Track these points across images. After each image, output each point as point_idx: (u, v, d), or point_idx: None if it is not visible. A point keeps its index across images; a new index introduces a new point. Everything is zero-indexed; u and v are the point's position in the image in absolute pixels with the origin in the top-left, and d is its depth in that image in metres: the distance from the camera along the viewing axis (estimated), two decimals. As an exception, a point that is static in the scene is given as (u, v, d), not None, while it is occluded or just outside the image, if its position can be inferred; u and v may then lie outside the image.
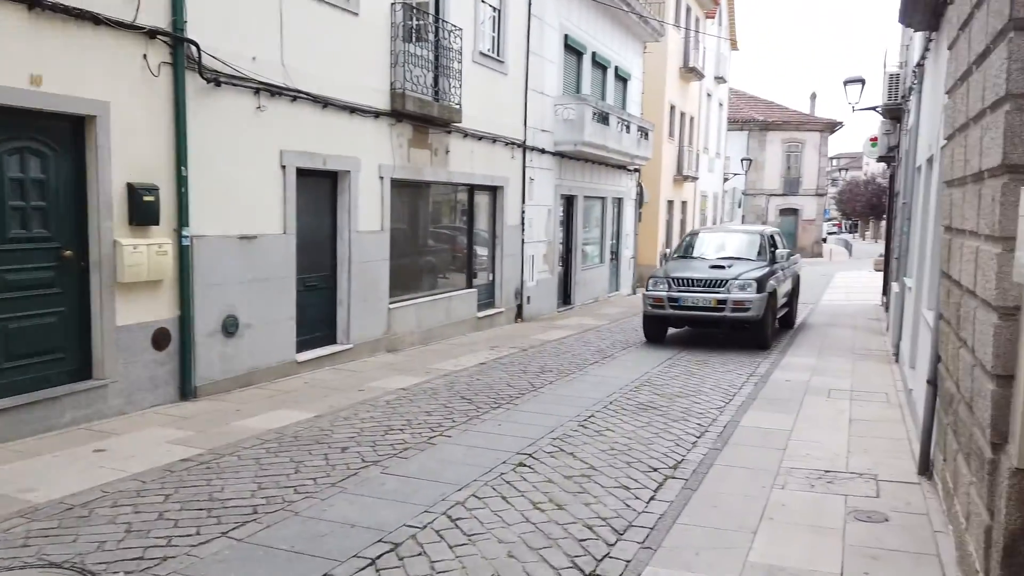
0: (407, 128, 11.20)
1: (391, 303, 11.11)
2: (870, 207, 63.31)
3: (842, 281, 26.97)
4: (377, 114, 10.47)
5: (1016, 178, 3.38)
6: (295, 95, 8.90)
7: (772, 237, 13.77)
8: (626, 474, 5.75)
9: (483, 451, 6.29)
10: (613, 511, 5.00)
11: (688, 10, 27.30)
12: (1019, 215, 2.44)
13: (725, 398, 8.44)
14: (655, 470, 5.87)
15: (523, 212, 15.05)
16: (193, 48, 7.53)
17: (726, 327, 11.98)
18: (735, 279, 11.63)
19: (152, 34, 7.15)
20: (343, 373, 9.47)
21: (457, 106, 11.90)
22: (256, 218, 8.54)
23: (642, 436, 6.79)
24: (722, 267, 12.19)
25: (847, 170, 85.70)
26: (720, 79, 32.95)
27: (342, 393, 8.35)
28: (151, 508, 4.95)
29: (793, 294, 14.57)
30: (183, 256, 7.62)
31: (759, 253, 12.98)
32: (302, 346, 9.46)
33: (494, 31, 13.85)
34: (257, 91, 8.38)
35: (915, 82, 11.42)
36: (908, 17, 8.92)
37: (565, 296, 17.65)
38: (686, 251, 13.76)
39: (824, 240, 50.30)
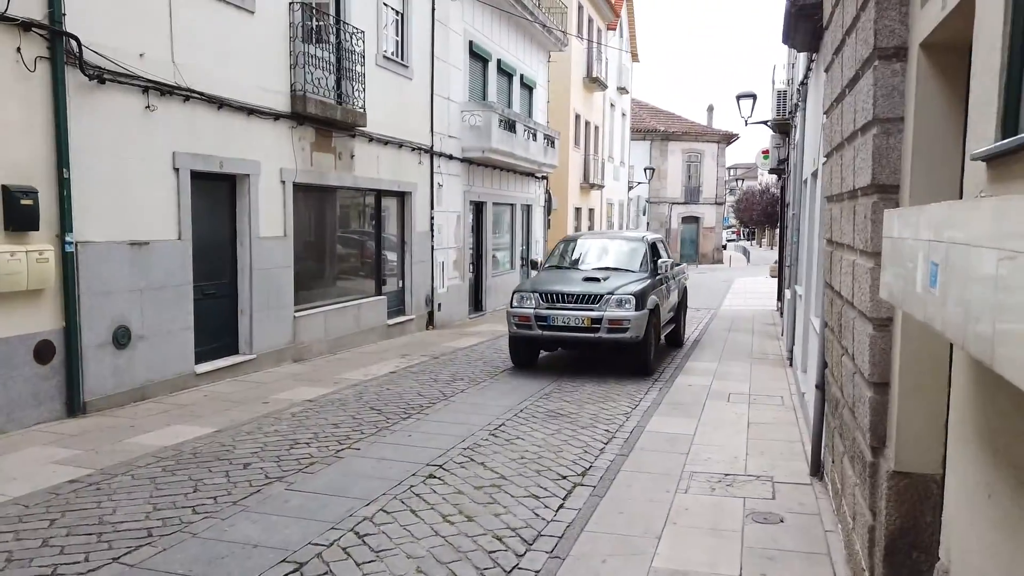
0: (309, 131, 10.97)
1: (297, 311, 10.83)
2: (766, 215, 66.03)
3: (741, 287, 28.12)
4: (277, 116, 10.20)
5: (884, 198, 3.61)
6: (187, 95, 8.56)
7: (654, 245, 12.32)
8: (536, 483, 5.80)
9: (393, 463, 6.21)
10: (523, 521, 5.04)
11: (590, 21, 27.89)
12: (883, 235, 2.62)
13: (632, 403, 8.65)
14: (564, 478, 5.95)
15: (432, 218, 14.99)
16: (73, 43, 7.14)
17: (603, 350, 10.59)
18: (611, 294, 10.14)
19: (26, 26, 6.74)
20: (246, 385, 9.16)
21: (361, 110, 11.74)
22: (148, 223, 8.16)
23: (552, 444, 6.87)
24: (597, 280, 10.64)
25: (744, 180, 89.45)
26: (623, 90, 33.84)
27: (244, 406, 8.07)
28: (34, 534, 4.64)
29: (680, 309, 13.16)
30: (67, 263, 7.20)
31: (640, 264, 11.47)
32: (202, 357, 9.09)
33: (398, 35, 13.76)
34: (146, 90, 8.02)
35: (799, 100, 12.07)
36: (790, 38, 9.43)
37: (476, 302, 17.67)
38: (559, 260, 12.11)
39: (724, 247, 52.32)
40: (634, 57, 37.09)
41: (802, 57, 12.27)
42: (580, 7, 26.03)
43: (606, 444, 6.94)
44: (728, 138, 46.31)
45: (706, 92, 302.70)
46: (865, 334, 3.70)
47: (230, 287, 9.78)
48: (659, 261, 11.68)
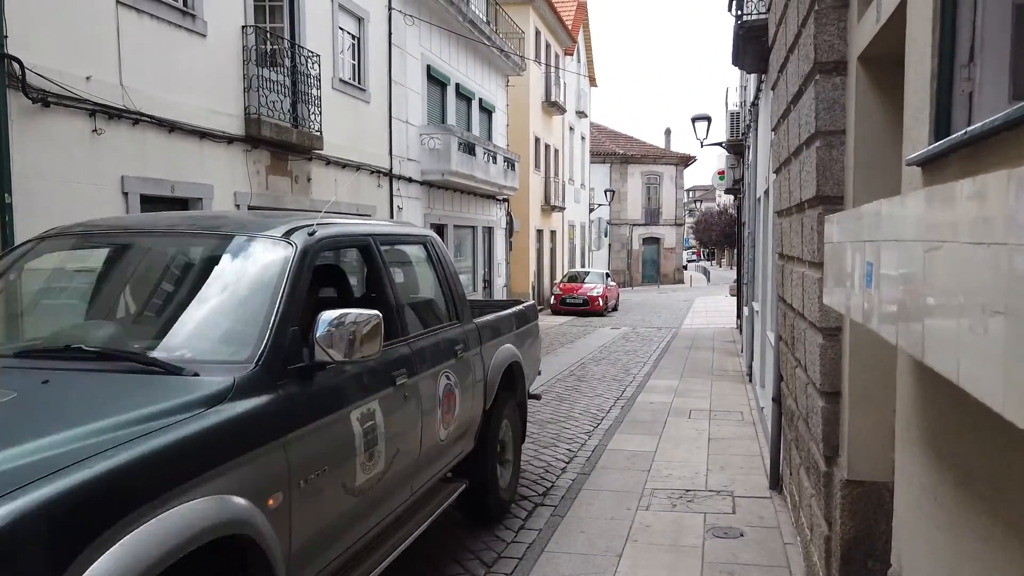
0: (264, 154, 10.85)
1: (252, 337, 10.58)
2: (724, 236, 67.27)
3: (701, 306, 28.44)
4: (231, 140, 10.07)
5: (829, 209, 3.67)
6: (137, 118, 8.41)
7: (374, 252, 4.03)
8: (495, 504, 5.72)
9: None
10: (483, 543, 4.95)
11: (548, 46, 28.24)
12: (824, 243, 2.64)
13: (594, 422, 8.62)
14: (525, 498, 5.87)
15: (391, 242, 14.87)
16: (16, 65, 6.97)
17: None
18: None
19: (-34, 49, 6.57)
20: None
21: (318, 133, 11.66)
22: (98, 250, 7.94)
23: (511, 465, 6.79)
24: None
25: (702, 201, 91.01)
26: (581, 113, 34.23)
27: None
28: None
29: (509, 428, 5.55)
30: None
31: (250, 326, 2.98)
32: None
33: (354, 59, 13.74)
34: (93, 113, 7.85)
35: (751, 120, 12.33)
36: (740, 60, 9.64)
37: (436, 326, 17.53)
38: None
39: (685, 267, 52.99)
40: (592, 82, 37.61)
41: (752, 79, 12.56)
42: (537, 32, 26.35)
43: (568, 463, 6.89)
44: (686, 160, 47.08)
45: (663, 115, 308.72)
46: (815, 344, 3.73)
47: (183, 314, 9.51)
48: (347, 318, 2.96)
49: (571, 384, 11.23)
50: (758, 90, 10.35)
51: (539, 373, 6.70)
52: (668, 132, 54.71)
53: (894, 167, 3.31)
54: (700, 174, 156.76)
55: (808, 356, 4.02)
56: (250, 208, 10.50)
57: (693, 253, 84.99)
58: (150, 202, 8.72)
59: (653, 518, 5.40)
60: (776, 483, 6.00)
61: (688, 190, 76.63)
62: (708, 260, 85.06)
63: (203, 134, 9.52)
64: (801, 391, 4.39)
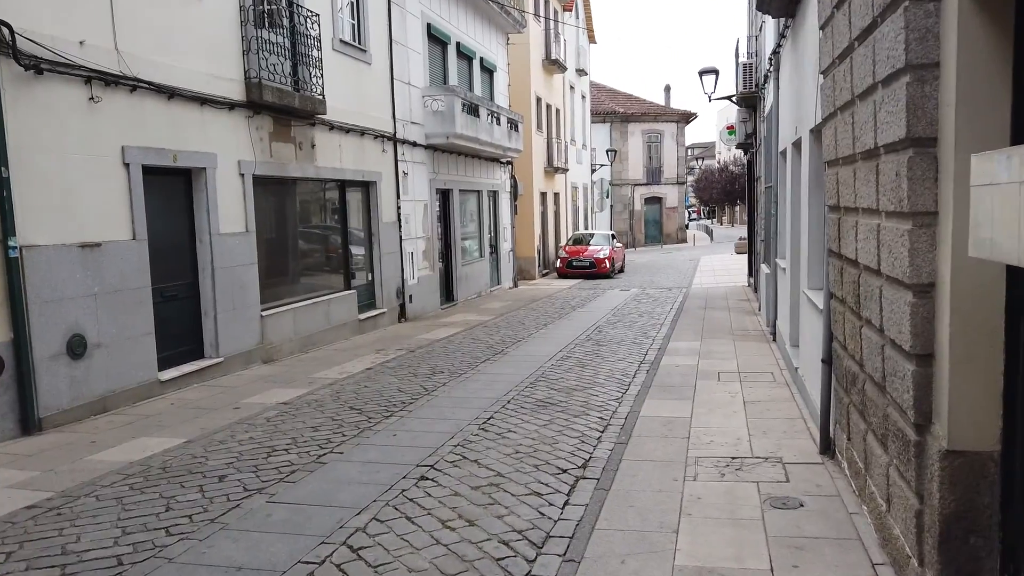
0: (267, 120, 10.42)
1: (263, 310, 10.31)
2: (725, 194, 66.92)
3: (708, 265, 28.11)
4: (232, 105, 9.64)
5: (920, 152, 3.31)
6: (135, 84, 7.99)
7: None
8: (536, 479, 5.45)
9: (380, 466, 5.81)
10: (528, 522, 4.69)
11: (547, 2, 27.48)
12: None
13: (621, 388, 8.35)
14: (565, 471, 5.61)
15: (399, 207, 14.51)
16: (5, 31, 6.54)
17: None
18: None
19: (-46, 15, 6.14)
20: (214, 390, 8.65)
21: (320, 96, 11.21)
22: (99, 223, 7.59)
23: (546, 435, 6.53)
24: None
25: (703, 159, 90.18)
26: (581, 71, 33.50)
27: (215, 413, 7.59)
28: (-13, 573, 4.14)
29: None
30: (11, 270, 6.62)
31: None
32: (165, 363, 8.56)
33: (353, 18, 13.21)
34: (88, 80, 7.44)
35: (771, 70, 11.83)
36: (767, 3, 9.12)
37: (448, 293, 17.25)
38: None
39: (686, 226, 52.52)
40: (591, 38, 36.77)
41: (770, 28, 12.06)
42: (536, -12, 25.60)
43: (602, 432, 6.62)
44: (687, 117, 46.33)
45: (662, 72, 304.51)
46: (904, 302, 3.41)
47: (192, 288, 9.23)
48: None
49: (590, 349, 10.95)
50: (782, 36, 9.87)
51: None
52: (668, 89, 53.79)
53: (1002, 102, 2.96)
54: (700, 131, 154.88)
55: (888, 315, 3.69)
56: (254, 177, 10.10)
57: (693, 212, 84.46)
58: (152, 173, 8.34)
59: (703, 489, 5.14)
60: (827, 448, 5.73)
61: (688, 148, 75.82)
62: (708, 218, 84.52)
63: (204, 100, 9.09)
64: (873, 353, 4.08)
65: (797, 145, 8.71)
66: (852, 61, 4.29)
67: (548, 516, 4.78)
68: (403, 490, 5.28)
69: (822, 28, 5.36)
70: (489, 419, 7.12)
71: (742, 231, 47.68)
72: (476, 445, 6.30)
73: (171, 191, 8.92)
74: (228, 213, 9.59)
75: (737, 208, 75.37)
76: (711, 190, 69.36)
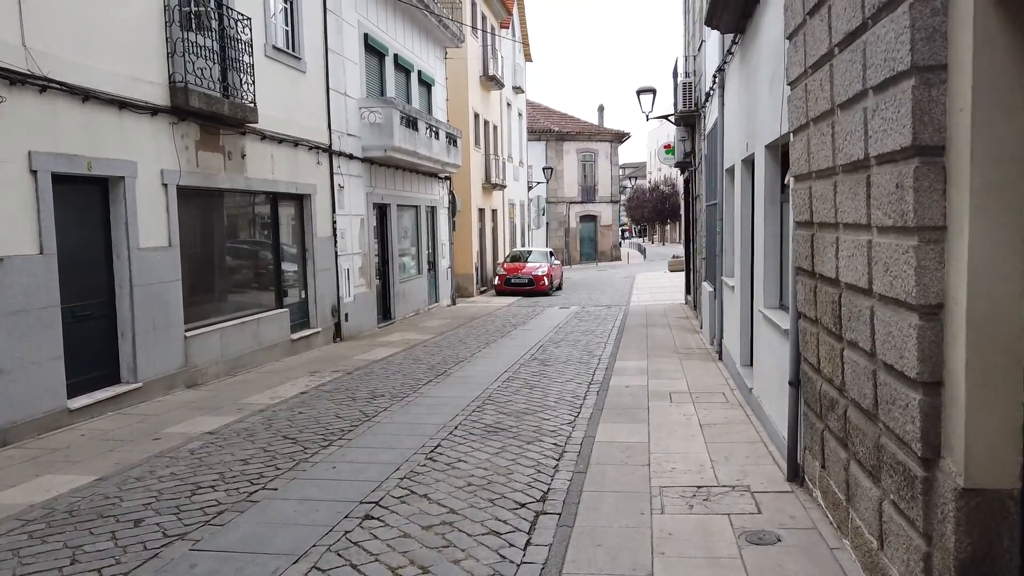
0: (194, 128, 9.74)
1: (188, 330, 9.57)
2: (656, 212, 68.07)
3: (644, 283, 28.23)
4: (155, 110, 8.95)
5: (927, 161, 3.06)
6: (45, 85, 7.28)
7: None
8: (492, 515, 5.01)
9: (320, 504, 5.27)
10: (489, 567, 4.24)
11: (484, 18, 27.30)
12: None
13: (573, 410, 7.99)
14: (523, 506, 5.19)
15: (335, 222, 13.89)
16: (-102, 18, 5.81)
17: None
18: None
19: None
20: (132, 419, 7.90)
21: (251, 104, 10.59)
22: (1, 236, 6.83)
23: (499, 465, 6.09)
24: None
25: (635, 179, 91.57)
26: (518, 89, 33.43)
27: (131, 445, 6.88)
28: None
29: None
30: None
31: None
32: (76, 390, 7.78)
33: (287, 25, 12.63)
34: (-7, 78, 6.72)
35: (714, 88, 11.78)
36: (716, 19, 9.01)
37: (385, 311, 16.65)
38: None
39: (619, 244, 53.02)
40: (527, 56, 36.79)
41: (714, 46, 12.04)
42: (473, 3, 25.37)
43: (558, 460, 6.23)
44: (620, 137, 46.88)
45: (595, 92, 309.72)
46: (908, 325, 3.14)
47: (107, 307, 8.46)
48: None
49: (536, 369, 10.58)
50: (728, 53, 9.79)
51: None
52: (601, 109, 54.44)
53: (1020, 106, 2.72)
54: (631, 151, 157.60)
55: (883, 338, 3.43)
56: (179, 188, 9.40)
57: (626, 230, 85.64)
58: (64, 182, 7.61)
59: (673, 523, 4.79)
60: (795, 475, 5.48)
61: (621, 167, 76.94)
62: (640, 236, 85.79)
63: (123, 104, 8.40)
64: (859, 377, 3.82)
65: (748, 162, 8.58)
66: (832, 68, 4.07)
67: (510, 559, 4.34)
68: (346, 531, 4.76)
69: (789, 38, 5.15)
70: (436, 447, 6.64)
71: (674, 249, 48.42)
72: (424, 477, 5.82)
73: (85, 201, 8.18)
74: (149, 226, 8.87)
75: (668, 227, 76.74)
76: (643, 209, 70.39)
